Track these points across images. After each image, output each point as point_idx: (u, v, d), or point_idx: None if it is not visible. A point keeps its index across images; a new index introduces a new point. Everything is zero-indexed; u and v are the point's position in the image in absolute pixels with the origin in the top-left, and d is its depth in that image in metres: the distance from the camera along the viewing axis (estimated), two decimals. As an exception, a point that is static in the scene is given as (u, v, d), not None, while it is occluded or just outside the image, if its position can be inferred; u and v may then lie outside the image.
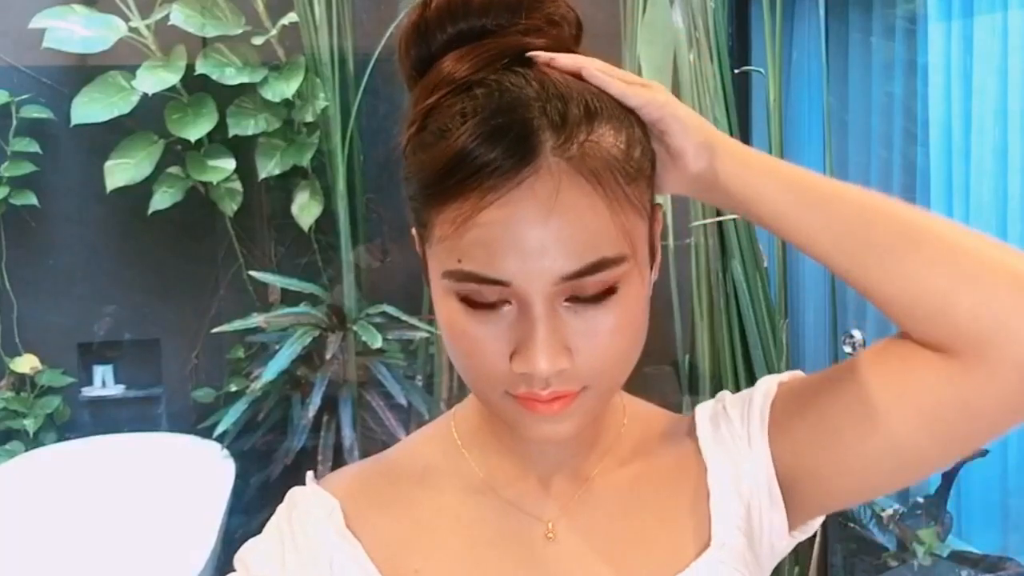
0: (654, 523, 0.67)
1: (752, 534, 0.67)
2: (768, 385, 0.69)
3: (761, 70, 2.35)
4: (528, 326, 0.56)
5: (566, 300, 0.57)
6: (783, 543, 0.69)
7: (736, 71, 2.34)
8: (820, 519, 0.70)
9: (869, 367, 0.63)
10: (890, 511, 2.34)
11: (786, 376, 0.69)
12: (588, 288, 0.56)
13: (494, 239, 0.55)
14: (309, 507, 0.67)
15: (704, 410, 0.71)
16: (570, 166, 0.55)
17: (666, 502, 0.68)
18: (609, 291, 0.57)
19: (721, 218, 2.21)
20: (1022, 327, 0.57)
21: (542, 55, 0.60)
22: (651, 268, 0.62)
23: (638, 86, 0.60)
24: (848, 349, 2.26)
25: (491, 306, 0.57)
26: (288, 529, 0.67)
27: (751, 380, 2.21)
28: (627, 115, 0.59)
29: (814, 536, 2.47)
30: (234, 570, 0.66)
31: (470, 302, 0.58)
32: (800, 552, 2.25)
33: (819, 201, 0.62)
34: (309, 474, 0.70)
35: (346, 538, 0.66)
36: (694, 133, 0.61)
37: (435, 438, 0.71)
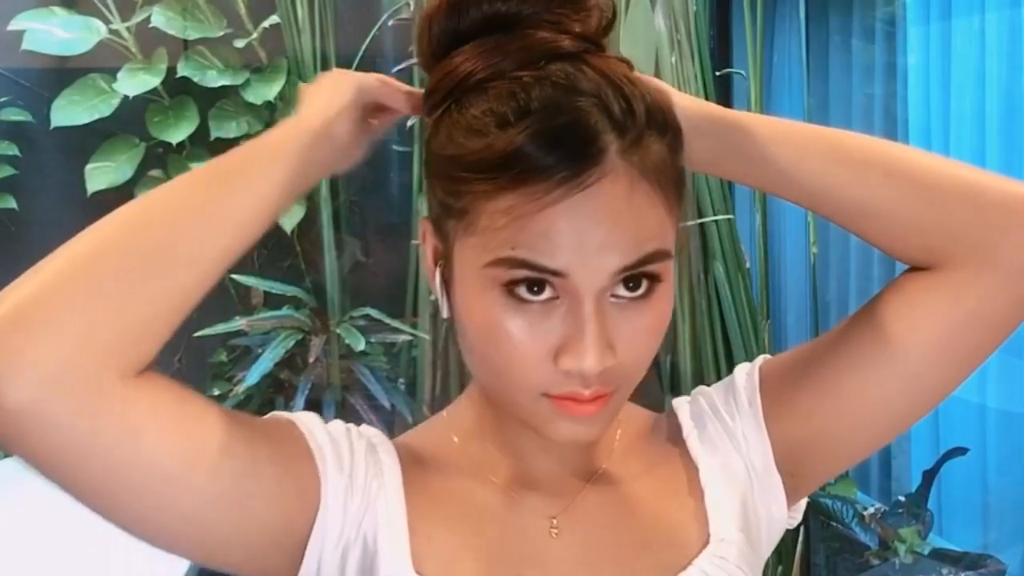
0: (653, 523, 0.68)
1: (749, 528, 0.68)
2: (748, 373, 0.70)
3: (742, 72, 2.36)
4: (577, 323, 0.57)
5: (611, 295, 0.58)
6: (780, 527, 0.70)
7: (718, 73, 2.35)
8: (805, 502, 0.72)
9: (874, 318, 0.65)
10: (872, 510, 2.35)
11: (759, 360, 0.71)
12: (635, 281, 0.58)
13: (555, 232, 0.55)
14: (374, 435, 0.67)
15: (683, 408, 0.72)
16: (633, 167, 0.57)
17: (663, 502, 0.68)
18: (652, 286, 0.59)
19: (703, 220, 2.22)
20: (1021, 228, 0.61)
21: None
22: None
23: None
24: (830, 349, 2.28)
25: (537, 301, 0.57)
26: (355, 434, 0.66)
27: (734, 381, 2.22)
28: (673, 115, 0.61)
29: (797, 535, 2.49)
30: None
31: (515, 296, 0.57)
32: (783, 551, 2.26)
33: (822, 148, 0.64)
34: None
35: (392, 478, 0.65)
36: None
37: (431, 434, 0.71)
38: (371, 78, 0.66)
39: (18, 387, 0.50)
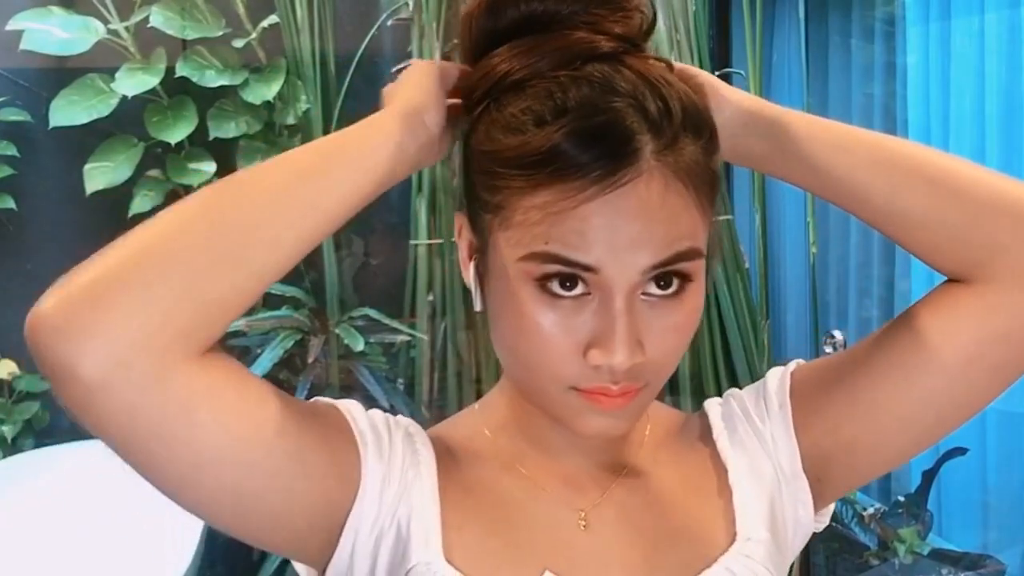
0: (681, 519, 0.68)
1: (776, 528, 0.69)
2: (780, 377, 0.71)
3: (742, 72, 2.36)
4: (608, 319, 0.58)
5: (642, 293, 0.59)
6: (806, 531, 0.71)
7: (717, 73, 2.35)
8: (832, 507, 0.73)
9: (904, 330, 0.65)
10: (871, 510, 2.35)
11: (792, 366, 0.71)
12: (666, 279, 0.59)
13: (589, 229, 0.56)
14: (410, 424, 0.68)
15: (715, 409, 0.73)
16: (667, 167, 0.57)
17: (691, 500, 0.69)
18: (683, 285, 0.59)
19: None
20: None
21: None
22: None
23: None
24: (829, 349, 2.28)
25: (569, 297, 0.58)
26: (392, 423, 0.66)
27: (732, 380, 2.22)
28: (709, 116, 0.62)
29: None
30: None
31: (548, 291, 0.58)
32: (782, 552, 2.26)
33: (863, 150, 0.65)
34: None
35: (428, 468, 0.65)
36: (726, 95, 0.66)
37: (463, 426, 0.71)
38: (450, 66, 0.66)
39: (93, 360, 0.51)
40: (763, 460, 0.69)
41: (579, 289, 0.58)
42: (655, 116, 0.57)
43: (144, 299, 0.52)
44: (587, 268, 0.57)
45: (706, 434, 0.72)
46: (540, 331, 0.58)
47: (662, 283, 0.59)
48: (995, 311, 0.63)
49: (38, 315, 0.52)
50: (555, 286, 0.58)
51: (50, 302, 0.52)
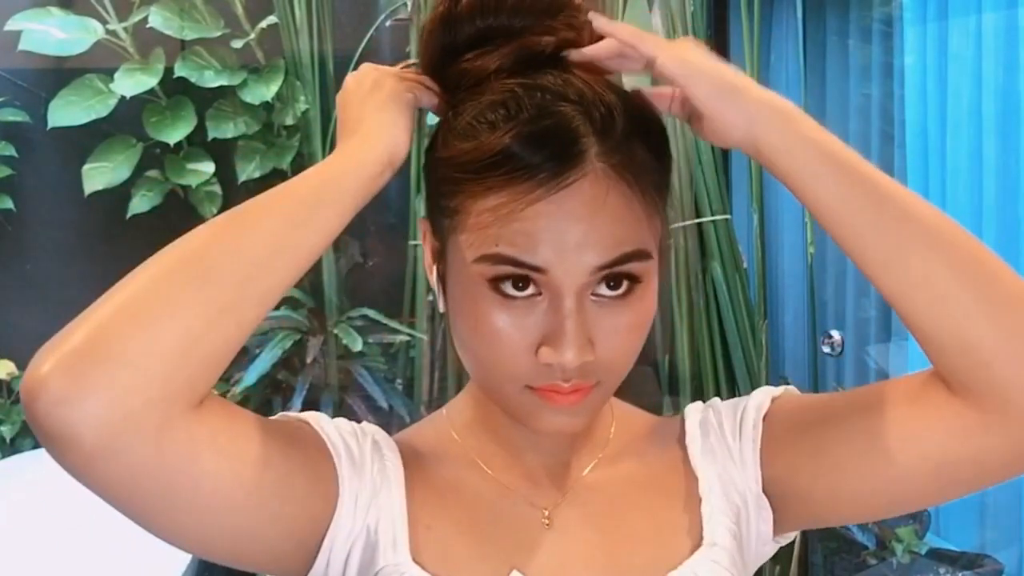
0: (646, 522, 0.69)
1: (740, 537, 0.69)
2: (762, 399, 0.70)
3: (739, 72, 2.36)
4: (558, 319, 0.59)
5: (592, 294, 0.60)
6: (767, 548, 0.71)
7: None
8: (794, 534, 0.73)
9: (882, 408, 0.63)
10: (869, 510, 2.35)
11: (779, 391, 0.71)
12: (616, 280, 0.60)
13: (536, 230, 0.58)
14: (376, 432, 0.69)
15: (694, 415, 0.73)
16: (612, 170, 0.59)
17: (657, 504, 0.70)
18: (632, 287, 0.60)
19: (700, 220, 2.23)
20: None
21: (576, 53, 0.63)
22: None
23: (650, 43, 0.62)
24: (827, 349, 2.28)
25: (521, 297, 0.59)
26: (360, 432, 0.67)
27: (731, 380, 2.22)
28: (658, 123, 0.63)
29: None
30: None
31: (501, 292, 0.59)
32: (780, 551, 2.26)
33: (865, 189, 0.59)
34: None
35: (395, 473, 0.66)
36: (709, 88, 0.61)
37: (430, 429, 0.73)
38: (418, 90, 0.66)
39: (96, 424, 0.50)
40: (733, 471, 0.69)
41: (531, 290, 0.59)
42: (599, 120, 0.59)
43: (142, 360, 0.51)
44: (535, 269, 0.58)
45: (679, 440, 0.72)
46: (495, 331, 0.60)
47: (612, 284, 0.60)
48: (970, 438, 0.60)
49: (36, 382, 0.51)
50: (508, 287, 0.59)
51: (46, 367, 0.51)
